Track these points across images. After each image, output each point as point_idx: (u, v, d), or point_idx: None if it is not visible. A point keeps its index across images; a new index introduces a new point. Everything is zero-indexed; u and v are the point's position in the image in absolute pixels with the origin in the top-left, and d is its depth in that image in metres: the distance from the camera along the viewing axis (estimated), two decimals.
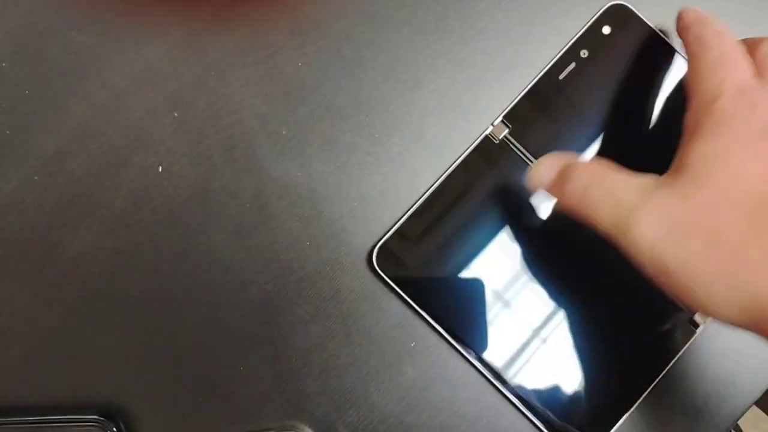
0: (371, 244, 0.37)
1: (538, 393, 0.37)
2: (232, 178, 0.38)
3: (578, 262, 0.38)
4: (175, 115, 0.38)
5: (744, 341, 0.38)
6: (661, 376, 0.37)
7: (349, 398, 0.37)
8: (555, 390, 0.37)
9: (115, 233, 0.37)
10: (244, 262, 0.37)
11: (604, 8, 0.39)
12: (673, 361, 0.37)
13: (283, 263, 0.37)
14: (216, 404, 0.37)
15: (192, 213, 0.37)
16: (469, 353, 0.36)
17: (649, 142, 0.38)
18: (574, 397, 0.37)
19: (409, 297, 0.36)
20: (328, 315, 0.37)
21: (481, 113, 0.38)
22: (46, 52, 0.38)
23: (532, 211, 0.38)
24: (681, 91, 0.37)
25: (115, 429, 0.35)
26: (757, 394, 0.38)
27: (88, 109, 0.37)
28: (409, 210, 0.37)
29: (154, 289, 0.37)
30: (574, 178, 0.31)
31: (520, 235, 0.37)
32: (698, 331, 0.37)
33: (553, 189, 0.32)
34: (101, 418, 0.35)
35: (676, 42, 0.38)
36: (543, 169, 0.32)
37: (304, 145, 0.38)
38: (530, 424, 0.37)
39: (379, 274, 0.36)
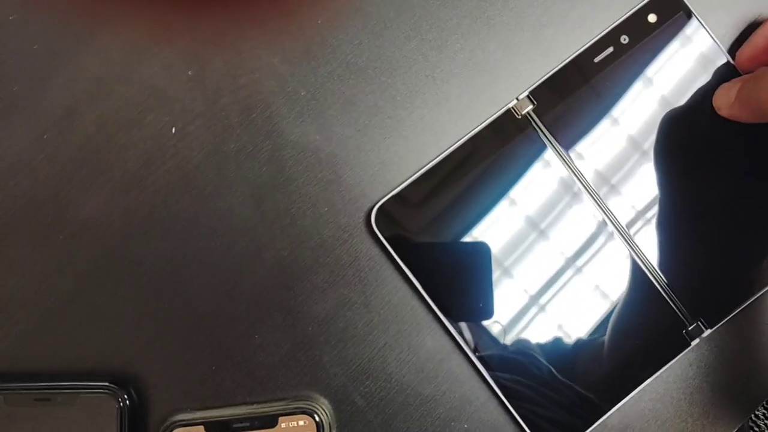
0: None
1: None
2: (248, 139, 0.36)
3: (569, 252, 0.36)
4: (190, 72, 0.36)
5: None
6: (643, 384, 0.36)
7: (366, 368, 0.36)
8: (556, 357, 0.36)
9: (128, 194, 0.36)
10: (260, 227, 0.36)
11: None
12: (662, 369, 0.36)
13: (300, 229, 0.36)
14: (230, 373, 0.36)
15: (207, 175, 0.36)
16: (451, 324, 0.35)
17: (677, 142, 0.36)
18: (578, 371, 0.35)
19: (402, 261, 0.35)
20: (346, 283, 0.36)
21: (509, 77, 0.37)
22: (57, 4, 0.36)
23: (539, 191, 0.36)
24: (708, 79, 0.36)
25: (126, 396, 0.34)
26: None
27: (100, 65, 0.36)
28: (413, 175, 0.36)
29: (168, 253, 0.36)
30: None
31: (527, 217, 0.36)
32: (693, 344, 0.36)
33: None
34: (113, 386, 0.34)
35: (723, 43, 0.36)
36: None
37: (324, 106, 0.36)
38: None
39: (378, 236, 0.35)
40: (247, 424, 0.34)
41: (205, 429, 0.34)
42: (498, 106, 0.36)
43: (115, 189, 0.36)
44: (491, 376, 0.35)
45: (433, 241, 0.35)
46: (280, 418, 0.34)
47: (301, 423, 0.34)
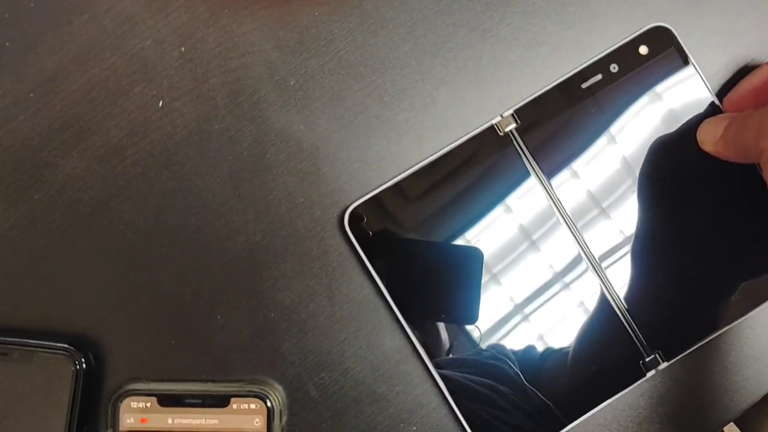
0: None
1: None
2: (233, 122, 0.36)
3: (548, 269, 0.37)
4: (183, 49, 0.36)
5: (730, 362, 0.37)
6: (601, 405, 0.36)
7: (324, 360, 0.36)
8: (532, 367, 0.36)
9: (108, 163, 0.36)
10: (234, 210, 0.36)
11: (647, 27, 0.36)
12: (615, 396, 0.36)
13: (274, 216, 0.36)
14: (189, 349, 0.36)
15: (188, 153, 0.36)
16: (413, 332, 0.36)
17: (655, 175, 0.37)
18: (549, 376, 0.36)
19: (370, 263, 0.36)
20: (313, 275, 0.36)
21: (498, 91, 0.37)
22: None
23: (514, 209, 0.36)
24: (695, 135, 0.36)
25: (83, 360, 0.35)
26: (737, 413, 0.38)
27: (94, 31, 0.36)
28: (390, 180, 0.36)
29: (141, 224, 0.36)
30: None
31: (498, 233, 0.36)
32: (648, 375, 0.36)
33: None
34: (71, 348, 0.35)
35: (711, 82, 0.37)
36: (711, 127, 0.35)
37: (311, 98, 0.37)
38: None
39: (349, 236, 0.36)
40: (199, 401, 0.35)
41: (158, 400, 0.34)
42: (484, 118, 0.37)
43: (95, 156, 0.36)
44: (441, 378, 0.36)
45: (403, 247, 0.36)
46: (233, 399, 0.35)
47: (252, 406, 0.35)
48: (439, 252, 0.36)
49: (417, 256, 0.36)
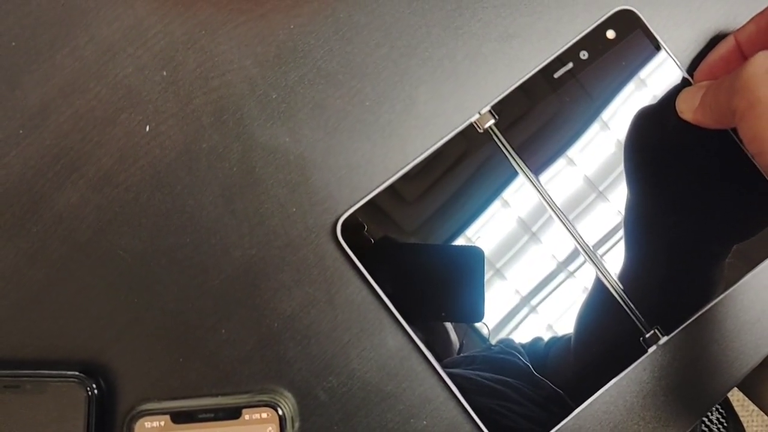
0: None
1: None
2: (219, 140, 0.37)
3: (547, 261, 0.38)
4: (164, 73, 0.37)
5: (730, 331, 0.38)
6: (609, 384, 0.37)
7: (330, 364, 0.37)
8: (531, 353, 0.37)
9: (101, 191, 0.37)
10: (229, 226, 0.37)
11: (612, 12, 0.37)
12: (620, 375, 0.37)
13: (268, 228, 0.37)
14: (197, 365, 0.37)
15: (178, 174, 0.37)
16: (416, 334, 0.36)
17: (638, 153, 0.37)
18: (555, 364, 0.37)
19: (368, 272, 0.36)
20: (311, 282, 0.37)
21: (476, 86, 0.38)
22: (33, 3, 0.37)
23: (502, 204, 0.37)
24: (673, 108, 0.37)
25: (95, 386, 0.35)
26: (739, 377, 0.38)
27: (76, 63, 0.37)
28: (378, 187, 0.37)
29: (139, 248, 0.37)
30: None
31: (489, 229, 0.37)
32: (650, 351, 0.37)
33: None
34: (82, 375, 0.35)
35: (680, 58, 0.37)
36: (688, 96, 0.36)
37: (294, 109, 0.37)
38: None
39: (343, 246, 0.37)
40: (212, 415, 0.35)
41: (171, 418, 0.35)
42: (464, 114, 0.37)
43: (88, 185, 0.37)
44: (449, 376, 0.36)
45: (396, 250, 0.36)
46: (244, 410, 0.35)
47: (264, 415, 0.35)
48: (439, 254, 0.37)
49: (415, 261, 0.37)
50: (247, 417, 0.35)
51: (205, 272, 0.37)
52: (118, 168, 0.37)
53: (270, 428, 0.35)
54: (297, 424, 0.36)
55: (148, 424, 0.35)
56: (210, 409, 0.35)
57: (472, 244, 0.37)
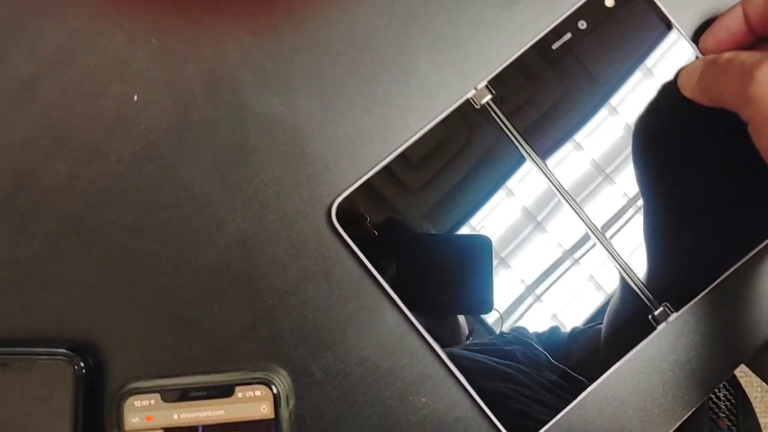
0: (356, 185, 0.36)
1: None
2: (212, 111, 0.36)
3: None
4: (154, 41, 0.36)
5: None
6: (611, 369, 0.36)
7: (326, 341, 0.36)
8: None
9: (91, 164, 0.36)
10: (222, 199, 0.36)
11: None
12: (630, 354, 0.36)
13: (262, 201, 0.36)
14: (189, 343, 0.36)
15: (170, 145, 0.36)
16: (418, 321, 0.35)
17: (641, 127, 0.36)
18: (567, 347, 0.36)
19: (365, 256, 0.35)
20: (307, 256, 0.36)
21: (477, 55, 0.37)
22: None
23: (502, 182, 0.36)
24: (675, 80, 0.35)
25: (83, 364, 0.34)
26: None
27: (63, 35, 0.36)
28: (374, 167, 0.36)
29: (129, 222, 0.36)
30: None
31: (489, 207, 0.36)
32: (659, 328, 0.36)
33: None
34: (70, 352, 0.34)
35: (684, 26, 0.36)
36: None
37: (289, 79, 0.36)
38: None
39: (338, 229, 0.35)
40: (204, 393, 0.34)
41: (161, 397, 0.34)
42: (465, 85, 0.36)
43: (77, 158, 0.36)
44: (449, 356, 0.35)
45: (393, 232, 0.35)
46: (237, 388, 0.34)
47: (257, 393, 0.34)
48: (444, 244, 0.36)
49: (407, 239, 0.35)
50: (240, 395, 0.34)
51: (197, 246, 0.36)
52: (108, 141, 0.36)
53: (264, 406, 0.34)
54: (292, 402, 0.35)
55: (137, 403, 0.34)
56: (201, 386, 0.34)
57: (478, 233, 0.35)
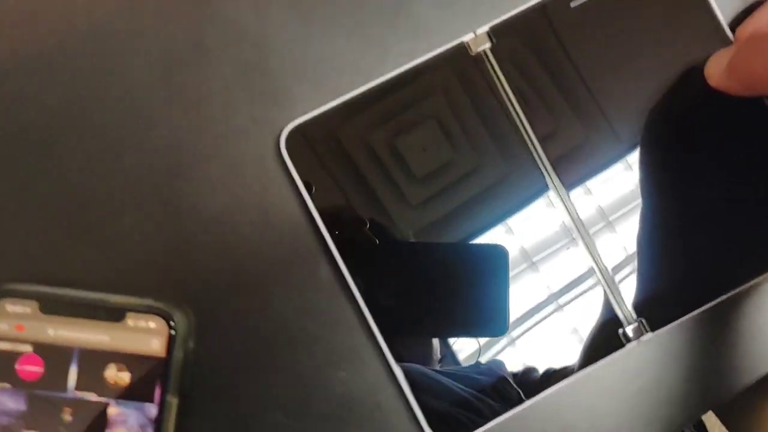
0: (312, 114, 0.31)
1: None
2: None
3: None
4: None
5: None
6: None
7: (244, 285, 0.31)
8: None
9: (17, 28, 0.31)
10: (161, 97, 0.31)
11: None
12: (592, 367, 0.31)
13: (205, 111, 0.31)
14: (86, 251, 0.31)
15: (116, 27, 0.31)
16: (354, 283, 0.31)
17: (651, 117, 0.32)
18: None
19: (309, 198, 0.31)
20: (243, 184, 0.31)
21: None
22: None
23: (481, 139, 0.31)
24: (700, 53, 0.31)
25: None
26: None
27: None
28: (339, 98, 0.31)
29: (49, 101, 0.31)
30: None
31: (458, 160, 0.31)
32: (628, 346, 0.31)
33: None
34: None
35: (722, 10, 0.32)
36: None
37: None
38: None
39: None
40: (90, 311, 0.29)
41: (39, 306, 0.29)
42: (464, 26, 0.32)
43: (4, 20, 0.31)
44: (376, 324, 0.30)
45: (347, 178, 0.31)
46: (129, 314, 0.29)
47: (151, 324, 0.29)
48: (384, 182, 0.31)
49: (359, 182, 0.31)
50: (130, 322, 0.29)
51: (121, 144, 0.31)
52: (43, 6, 0.31)
53: (155, 341, 0.29)
54: (191, 345, 0.30)
55: (10, 308, 0.29)
56: (88, 303, 0.29)
57: (495, 243, 0.31)
